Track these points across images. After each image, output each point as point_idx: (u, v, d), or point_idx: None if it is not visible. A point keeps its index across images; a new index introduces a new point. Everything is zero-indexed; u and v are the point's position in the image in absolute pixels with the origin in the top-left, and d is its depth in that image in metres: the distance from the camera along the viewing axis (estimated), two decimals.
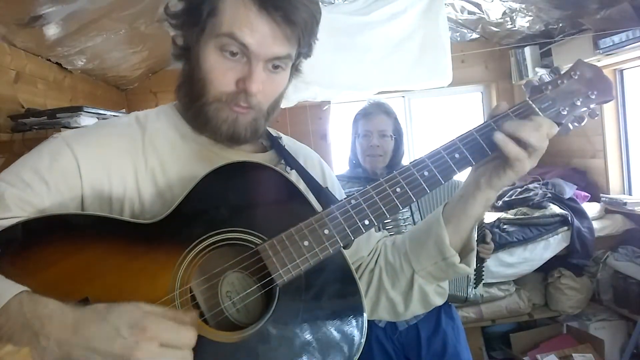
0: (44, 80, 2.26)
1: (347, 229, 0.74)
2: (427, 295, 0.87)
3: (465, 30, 3.49)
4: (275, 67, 0.79)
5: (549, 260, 2.75)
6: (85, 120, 1.95)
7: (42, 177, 0.73)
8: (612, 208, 2.92)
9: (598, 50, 2.54)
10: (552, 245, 2.73)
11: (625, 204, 2.78)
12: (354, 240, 0.76)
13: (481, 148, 0.78)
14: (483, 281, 1.99)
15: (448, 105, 3.71)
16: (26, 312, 0.58)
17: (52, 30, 2.02)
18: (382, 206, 0.76)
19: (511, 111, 0.80)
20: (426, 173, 0.77)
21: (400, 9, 2.92)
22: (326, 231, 0.74)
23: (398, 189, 0.77)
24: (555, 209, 2.78)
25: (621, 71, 2.92)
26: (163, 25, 2.52)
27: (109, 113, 2.15)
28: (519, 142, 0.74)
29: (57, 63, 2.37)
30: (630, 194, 2.97)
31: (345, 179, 2.06)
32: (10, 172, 0.74)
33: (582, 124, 0.82)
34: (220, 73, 0.77)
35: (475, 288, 1.92)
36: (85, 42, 2.27)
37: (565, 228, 2.72)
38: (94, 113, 2.02)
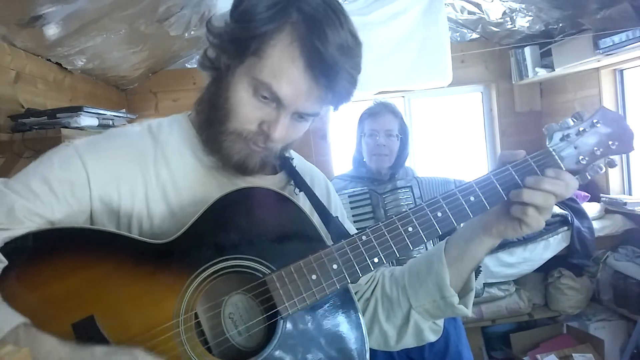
0: (44, 80, 2.26)
1: (355, 265, 0.73)
2: (422, 332, 0.86)
3: (465, 30, 3.49)
4: (301, 118, 0.78)
5: (549, 260, 2.75)
6: (85, 120, 1.95)
7: (51, 187, 0.72)
8: (612, 208, 2.92)
9: (598, 50, 2.54)
10: (552, 245, 2.73)
11: (625, 204, 2.78)
12: (361, 277, 0.74)
13: (497, 192, 0.77)
14: (481, 272, 1.99)
15: (448, 105, 3.71)
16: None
17: (52, 30, 2.02)
18: (392, 245, 0.75)
19: (531, 157, 0.78)
20: (439, 214, 0.76)
21: (400, 9, 2.93)
22: (335, 266, 0.73)
23: (410, 228, 0.75)
24: (555, 208, 2.78)
25: (621, 71, 2.92)
26: (163, 25, 2.52)
27: (109, 113, 2.15)
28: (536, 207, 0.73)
29: (57, 63, 2.37)
30: (630, 194, 2.97)
31: (349, 179, 2.06)
32: (19, 180, 0.73)
33: (601, 172, 0.80)
34: (247, 111, 0.75)
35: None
36: (85, 42, 2.27)
37: (565, 228, 2.72)
38: (94, 113, 2.02)
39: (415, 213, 0.76)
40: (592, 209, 2.91)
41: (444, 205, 0.76)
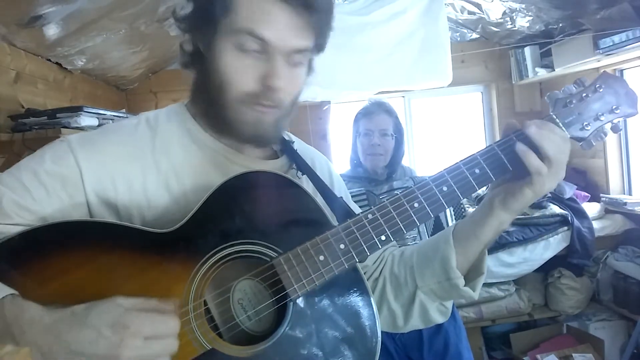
0: (44, 80, 2.26)
1: (363, 244, 0.73)
2: (428, 312, 0.85)
3: (465, 30, 3.49)
4: (296, 61, 0.75)
5: (549, 260, 2.75)
6: (85, 120, 1.95)
7: (42, 182, 0.71)
8: (612, 208, 2.92)
9: (598, 50, 2.54)
10: (552, 245, 2.73)
11: (625, 204, 2.78)
12: (369, 255, 0.74)
13: (502, 163, 0.75)
14: None
15: (448, 105, 3.71)
16: (7, 316, 0.58)
17: (52, 30, 2.02)
18: (399, 221, 0.74)
19: None
20: (445, 188, 0.75)
21: (400, 9, 2.93)
22: (342, 246, 0.72)
23: (416, 204, 0.75)
24: (555, 208, 2.78)
25: (621, 71, 2.92)
26: (163, 25, 2.52)
27: (109, 113, 2.15)
28: (539, 154, 0.72)
29: (57, 63, 2.37)
30: (630, 194, 2.97)
31: (346, 179, 2.06)
32: (11, 174, 0.73)
33: (605, 138, 0.79)
34: (240, 72, 0.73)
35: None
36: (85, 42, 2.27)
37: (565, 228, 2.72)
38: (94, 113, 2.02)
39: (421, 188, 0.75)
40: (592, 209, 2.91)
41: (449, 180, 0.75)
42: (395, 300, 0.86)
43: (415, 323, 0.87)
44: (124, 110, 2.94)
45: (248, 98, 0.74)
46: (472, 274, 0.83)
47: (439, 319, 0.87)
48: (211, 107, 0.77)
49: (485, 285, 2.75)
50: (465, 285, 0.80)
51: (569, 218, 2.72)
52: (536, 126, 0.73)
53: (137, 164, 0.76)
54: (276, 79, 0.72)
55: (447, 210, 1.99)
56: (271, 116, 0.77)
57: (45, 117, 1.90)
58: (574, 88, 0.79)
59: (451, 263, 0.79)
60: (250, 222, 0.73)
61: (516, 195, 0.75)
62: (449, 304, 0.87)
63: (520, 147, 0.73)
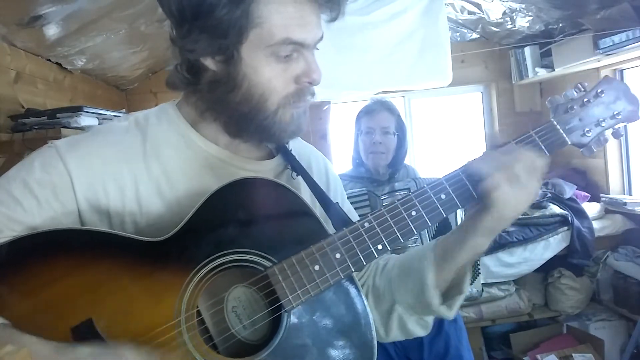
0: (44, 80, 2.26)
1: (359, 253, 0.72)
2: (406, 325, 0.83)
3: (465, 30, 3.49)
4: (316, 47, 0.77)
5: (549, 260, 2.75)
6: (85, 120, 1.95)
7: (32, 191, 0.69)
8: (612, 208, 2.92)
9: (598, 50, 2.54)
10: (552, 245, 2.73)
11: (625, 204, 2.78)
12: (366, 265, 0.73)
13: None
14: (480, 275, 1.98)
15: (448, 105, 3.71)
16: None
17: (52, 30, 2.02)
18: (396, 230, 0.73)
19: (535, 132, 0.75)
20: (443, 196, 0.73)
21: (400, 9, 2.93)
22: (337, 255, 0.71)
23: (413, 213, 0.73)
24: (555, 209, 2.78)
25: (621, 71, 2.92)
26: (163, 25, 2.52)
27: (109, 113, 2.15)
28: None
29: (57, 63, 2.37)
30: (630, 194, 2.97)
31: (348, 179, 2.05)
32: (0, 186, 0.71)
33: (605, 144, 0.78)
34: (279, 78, 0.73)
35: (471, 284, 1.92)
36: (85, 42, 2.27)
37: (565, 228, 2.72)
38: (94, 113, 2.02)
39: (419, 196, 0.74)
40: (592, 209, 2.90)
41: (448, 187, 0.74)
42: (375, 310, 0.85)
43: (395, 335, 0.85)
44: (124, 110, 2.94)
45: (289, 99, 0.75)
46: (450, 292, 0.80)
47: (419, 332, 0.85)
48: (250, 119, 0.75)
49: (485, 285, 2.75)
50: (443, 304, 0.78)
51: (569, 218, 2.72)
52: (475, 163, 0.73)
53: (128, 169, 0.74)
54: (316, 73, 0.74)
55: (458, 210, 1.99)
56: (306, 107, 0.78)
57: (45, 117, 1.91)
58: (575, 93, 0.78)
59: (427, 281, 0.77)
60: (244, 231, 0.71)
61: (482, 217, 0.72)
62: (430, 318, 0.85)
63: (482, 185, 0.71)
